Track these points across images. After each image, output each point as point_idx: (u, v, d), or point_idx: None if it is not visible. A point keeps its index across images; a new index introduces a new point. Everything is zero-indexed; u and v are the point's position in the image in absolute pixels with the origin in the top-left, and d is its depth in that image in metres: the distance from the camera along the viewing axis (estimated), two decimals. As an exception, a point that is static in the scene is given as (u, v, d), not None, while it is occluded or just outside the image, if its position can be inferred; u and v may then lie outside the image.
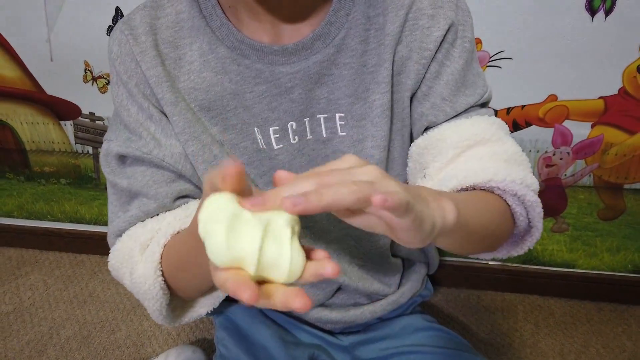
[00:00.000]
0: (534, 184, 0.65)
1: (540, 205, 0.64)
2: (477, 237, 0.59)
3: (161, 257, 0.68)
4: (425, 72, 0.69)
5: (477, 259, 1.34)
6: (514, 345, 1.19)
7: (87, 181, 1.45)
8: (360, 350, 0.95)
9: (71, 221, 1.52)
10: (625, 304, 1.29)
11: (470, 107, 0.70)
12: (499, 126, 0.70)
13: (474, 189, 0.63)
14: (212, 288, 0.75)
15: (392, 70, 0.69)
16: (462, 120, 0.69)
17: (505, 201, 0.64)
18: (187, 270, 0.66)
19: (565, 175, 1.19)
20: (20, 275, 1.48)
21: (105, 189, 1.42)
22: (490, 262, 1.34)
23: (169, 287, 0.69)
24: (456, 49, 0.68)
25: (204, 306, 0.77)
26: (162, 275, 0.67)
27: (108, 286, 1.43)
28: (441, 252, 1.33)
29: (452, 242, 0.56)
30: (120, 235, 0.74)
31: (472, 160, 0.65)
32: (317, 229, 0.79)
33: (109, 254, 0.75)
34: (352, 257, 0.84)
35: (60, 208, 1.51)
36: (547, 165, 1.19)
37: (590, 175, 1.19)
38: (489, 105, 0.75)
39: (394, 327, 0.97)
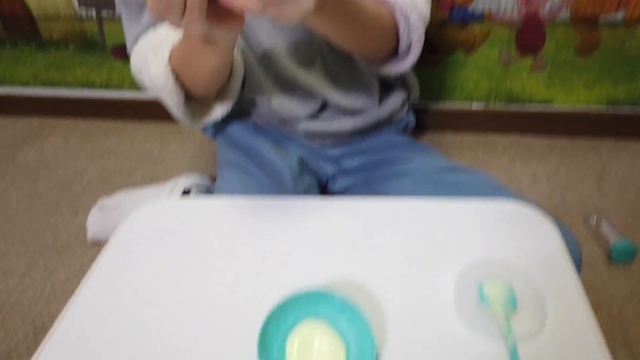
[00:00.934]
0: (424, 12, 0.76)
1: (421, 32, 0.76)
2: (356, 28, 0.70)
3: (170, 57, 0.79)
4: None
5: (462, 104, 1.43)
6: (490, 172, 1.31)
7: (93, 46, 1.54)
8: (345, 161, 1.07)
9: (83, 87, 1.63)
10: (599, 137, 1.39)
11: None
12: None
13: None
14: (221, 94, 0.86)
15: None
16: None
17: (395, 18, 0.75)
18: (190, 62, 0.77)
19: (544, 11, 1.25)
20: (42, 137, 1.62)
21: (111, 54, 1.51)
22: (474, 106, 1.43)
23: (181, 84, 0.81)
24: None
25: (217, 110, 0.89)
26: (172, 71, 0.79)
27: (123, 143, 1.56)
28: (427, 97, 1.42)
29: (332, 25, 0.66)
30: (137, 41, 0.85)
31: None
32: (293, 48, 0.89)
33: (131, 59, 0.87)
34: (334, 76, 0.94)
35: (71, 75, 1.61)
36: (527, 3, 1.24)
37: (567, 10, 1.24)
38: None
39: (375, 142, 1.08)
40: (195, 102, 0.87)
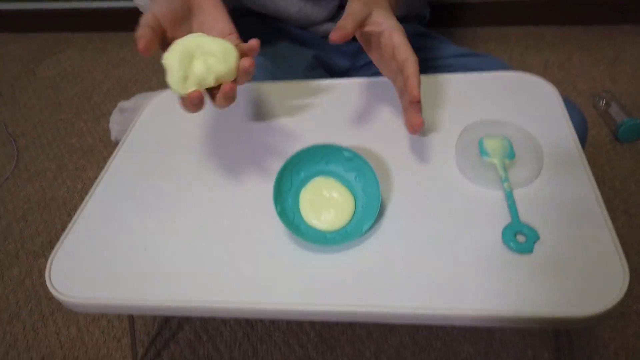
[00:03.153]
0: None
1: None
2: None
3: None
4: None
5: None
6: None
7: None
8: (361, 56, 1.08)
9: (92, -1, 1.64)
10: (614, 24, 1.36)
11: None
12: None
13: None
14: None
15: None
16: None
17: None
18: None
19: None
20: (58, 52, 1.65)
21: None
22: (487, -4, 1.40)
23: None
24: None
25: None
26: None
27: (136, 53, 1.56)
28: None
29: None
30: None
31: None
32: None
33: None
34: None
35: (80, -15, 1.61)
36: None
37: None
38: None
39: (390, 36, 1.08)
40: None
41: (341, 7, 1.00)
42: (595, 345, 0.75)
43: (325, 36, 1.04)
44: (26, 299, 0.94)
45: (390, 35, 0.55)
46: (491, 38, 1.39)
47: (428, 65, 0.98)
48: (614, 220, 0.91)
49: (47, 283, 0.53)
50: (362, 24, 0.57)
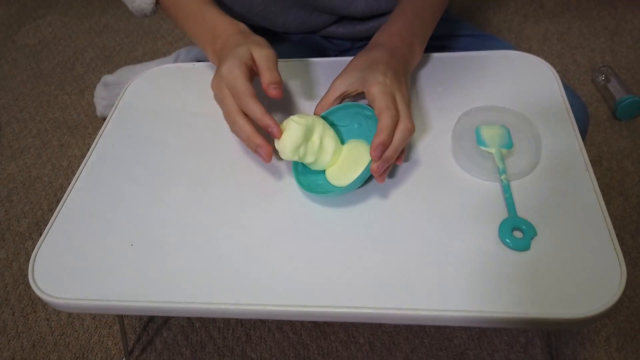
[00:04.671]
0: None
1: None
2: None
3: None
4: None
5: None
6: (500, 34, 1.27)
7: None
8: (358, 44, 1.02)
9: (72, -40, 1.55)
10: (616, -8, 1.32)
11: None
12: None
13: None
14: None
15: None
16: None
17: None
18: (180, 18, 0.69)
19: None
20: (38, 17, 1.57)
21: None
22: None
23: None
24: None
25: None
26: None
27: (120, 19, 1.51)
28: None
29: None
30: None
31: None
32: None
33: None
34: None
35: (58, -53, 1.53)
36: None
37: None
38: None
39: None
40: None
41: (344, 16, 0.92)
42: (587, 331, 0.75)
43: (326, 37, 0.97)
44: (14, 283, 0.93)
45: (369, 90, 0.56)
46: (489, 7, 1.34)
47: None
48: (609, 202, 0.90)
49: (31, 282, 0.51)
50: (343, 96, 0.59)
